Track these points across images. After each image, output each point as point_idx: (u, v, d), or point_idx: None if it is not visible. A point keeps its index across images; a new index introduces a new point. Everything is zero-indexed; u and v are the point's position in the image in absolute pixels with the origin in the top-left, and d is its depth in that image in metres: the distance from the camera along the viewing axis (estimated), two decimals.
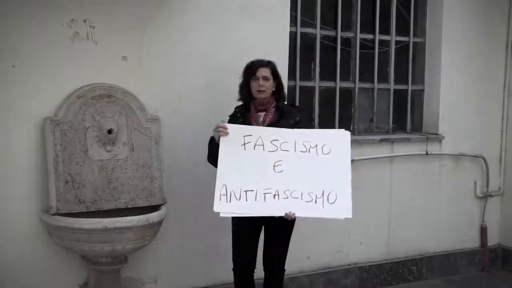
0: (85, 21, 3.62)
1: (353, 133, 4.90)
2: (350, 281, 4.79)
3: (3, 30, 3.44)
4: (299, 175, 3.38)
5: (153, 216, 3.51)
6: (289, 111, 3.53)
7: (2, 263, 3.51)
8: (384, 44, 5.08)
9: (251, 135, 3.37)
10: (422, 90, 5.26)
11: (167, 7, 3.89)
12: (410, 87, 5.22)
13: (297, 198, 3.35)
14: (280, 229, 3.48)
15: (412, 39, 5.19)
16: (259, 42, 4.13)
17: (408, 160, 5.01)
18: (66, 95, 3.57)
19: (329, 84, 4.83)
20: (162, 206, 3.71)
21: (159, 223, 3.61)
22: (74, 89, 3.59)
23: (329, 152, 3.41)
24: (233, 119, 3.49)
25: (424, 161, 5.10)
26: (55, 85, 3.57)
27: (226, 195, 3.31)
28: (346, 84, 4.91)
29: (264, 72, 3.43)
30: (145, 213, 3.49)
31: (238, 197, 3.32)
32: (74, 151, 3.52)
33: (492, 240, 5.53)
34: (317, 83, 4.74)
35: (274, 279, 3.61)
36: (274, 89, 3.48)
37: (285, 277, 3.79)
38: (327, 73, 4.81)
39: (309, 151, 3.40)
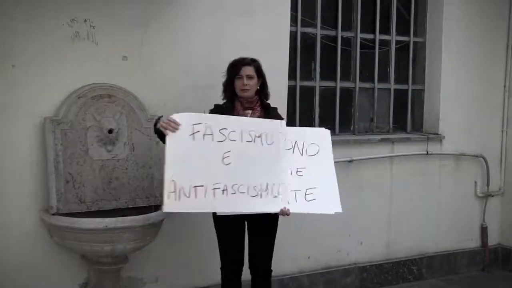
0: (85, 21, 3.62)
1: (353, 133, 4.92)
2: (350, 281, 4.78)
3: (3, 30, 3.43)
4: (247, 168, 3.15)
5: (154, 216, 3.50)
6: (274, 110, 3.53)
7: (2, 262, 3.51)
8: (384, 44, 5.08)
9: (200, 123, 3.09)
10: (423, 90, 5.26)
11: (168, 7, 3.89)
12: (410, 87, 5.22)
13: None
14: (262, 227, 3.42)
15: (412, 39, 5.19)
16: (259, 42, 4.12)
17: (408, 160, 5.01)
18: (66, 95, 3.57)
19: (330, 84, 4.83)
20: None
21: (160, 223, 3.61)
22: (74, 89, 3.59)
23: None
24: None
25: (424, 161, 5.10)
26: (56, 85, 3.56)
27: (175, 192, 2.99)
28: (347, 84, 4.91)
29: (248, 71, 3.40)
30: (146, 213, 3.49)
31: (187, 194, 3.01)
32: (75, 151, 3.52)
33: (493, 240, 5.53)
34: (317, 83, 4.73)
35: (261, 281, 3.52)
36: (258, 87, 3.46)
37: (285, 277, 3.80)
38: (328, 73, 4.81)
39: (254, 141, 3.19)
